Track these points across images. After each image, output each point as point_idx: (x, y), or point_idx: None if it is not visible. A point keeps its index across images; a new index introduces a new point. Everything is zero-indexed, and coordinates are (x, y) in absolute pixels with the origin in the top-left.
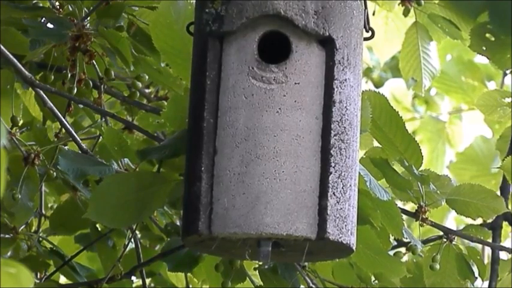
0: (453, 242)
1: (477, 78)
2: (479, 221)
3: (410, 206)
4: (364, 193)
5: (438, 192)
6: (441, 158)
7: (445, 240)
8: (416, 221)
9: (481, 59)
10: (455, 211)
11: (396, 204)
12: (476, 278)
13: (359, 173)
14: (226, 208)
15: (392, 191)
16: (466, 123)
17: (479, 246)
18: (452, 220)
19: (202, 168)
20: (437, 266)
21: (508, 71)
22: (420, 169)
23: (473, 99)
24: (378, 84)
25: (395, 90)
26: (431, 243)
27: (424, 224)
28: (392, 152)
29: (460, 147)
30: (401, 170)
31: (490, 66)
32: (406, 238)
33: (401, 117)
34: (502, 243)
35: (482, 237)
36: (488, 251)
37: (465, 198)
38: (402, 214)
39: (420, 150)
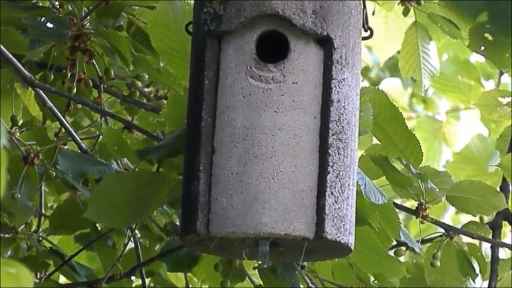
0: (453, 239)
1: (473, 78)
2: (477, 219)
3: (410, 204)
4: (362, 194)
5: (437, 189)
6: (438, 158)
7: (445, 237)
8: (416, 218)
9: (477, 58)
10: (456, 207)
11: (394, 207)
12: (477, 274)
13: None
14: (224, 207)
15: (392, 188)
16: (463, 122)
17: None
18: (449, 219)
19: (201, 168)
20: (438, 263)
21: (504, 70)
22: (420, 166)
23: (470, 99)
24: (375, 83)
25: (391, 89)
26: (432, 241)
27: (424, 221)
28: (392, 149)
29: (457, 147)
30: (401, 167)
31: (486, 65)
32: (404, 240)
33: (401, 113)
34: None
35: (482, 234)
36: (485, 250)
37: (465, 194)
38: (402, 211)
39: (420, 146)
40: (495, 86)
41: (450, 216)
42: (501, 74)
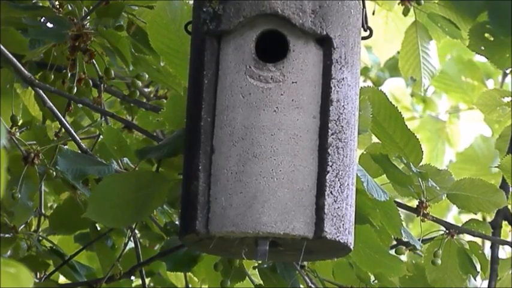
0: (454, 237)
1: (477, 78)
2: (479, 219)
3: (411, 204)
4: (363, 192)
5: (438, 187)
6: (440, 158)
7: (446, 235)
8: (417, 216)
9: (480, 58)
10: (456, 206)
11: (395, 204)
12: (478, 272)
13: (356, 174)
14: (224, 207)
15: (393, 186)
16: (465, 122)
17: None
18: (452, 219)
19: (200, 167)
20: (439, 261)
21: (508, 71)
22: (420, 164)
23: (473, 99)
24: (377, 83)
25: (394, 89)
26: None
27: (426, 220)
28: (392, 148)
29: (460, 147)
30: (402, 165)
31: (489, 65)
32: (405, 238)
33: (400, 112)
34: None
35: (483, 232)
36: (486, 250)
37: (466, 192)
38: (403, 210)
39: (420, 145)
40: (498, 86)
41: (453, 216)
42: (504, 74)
